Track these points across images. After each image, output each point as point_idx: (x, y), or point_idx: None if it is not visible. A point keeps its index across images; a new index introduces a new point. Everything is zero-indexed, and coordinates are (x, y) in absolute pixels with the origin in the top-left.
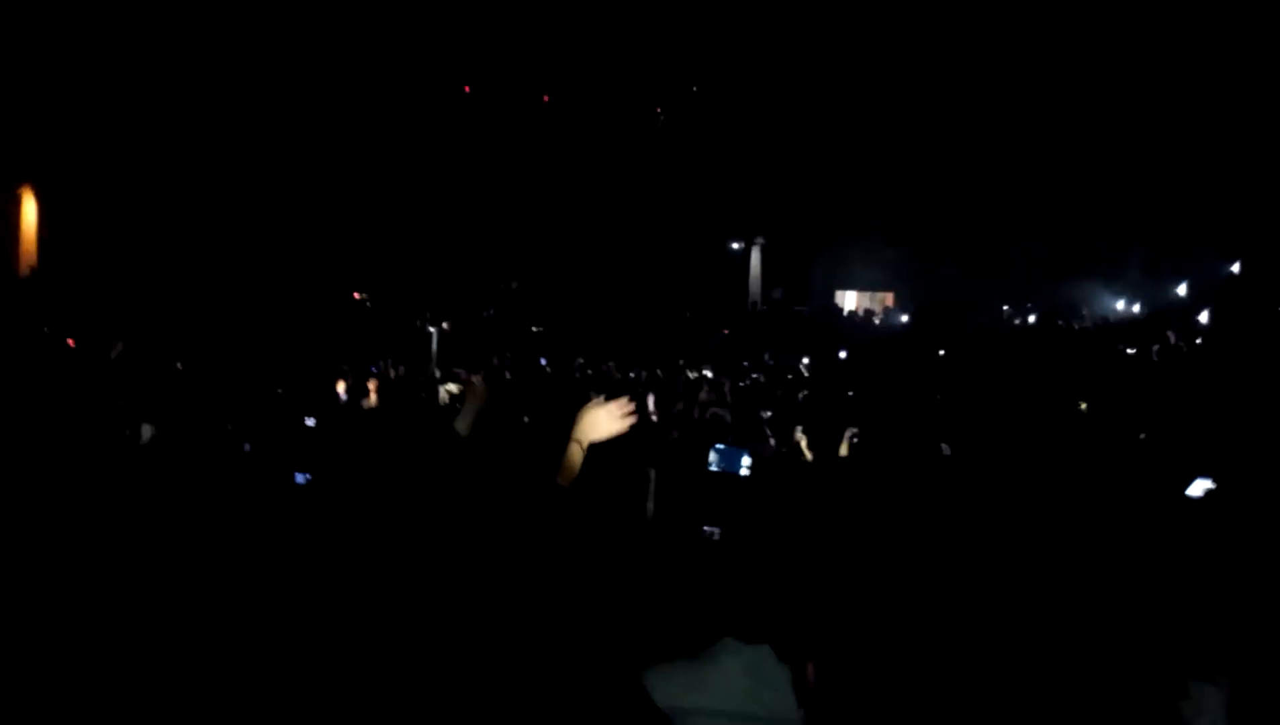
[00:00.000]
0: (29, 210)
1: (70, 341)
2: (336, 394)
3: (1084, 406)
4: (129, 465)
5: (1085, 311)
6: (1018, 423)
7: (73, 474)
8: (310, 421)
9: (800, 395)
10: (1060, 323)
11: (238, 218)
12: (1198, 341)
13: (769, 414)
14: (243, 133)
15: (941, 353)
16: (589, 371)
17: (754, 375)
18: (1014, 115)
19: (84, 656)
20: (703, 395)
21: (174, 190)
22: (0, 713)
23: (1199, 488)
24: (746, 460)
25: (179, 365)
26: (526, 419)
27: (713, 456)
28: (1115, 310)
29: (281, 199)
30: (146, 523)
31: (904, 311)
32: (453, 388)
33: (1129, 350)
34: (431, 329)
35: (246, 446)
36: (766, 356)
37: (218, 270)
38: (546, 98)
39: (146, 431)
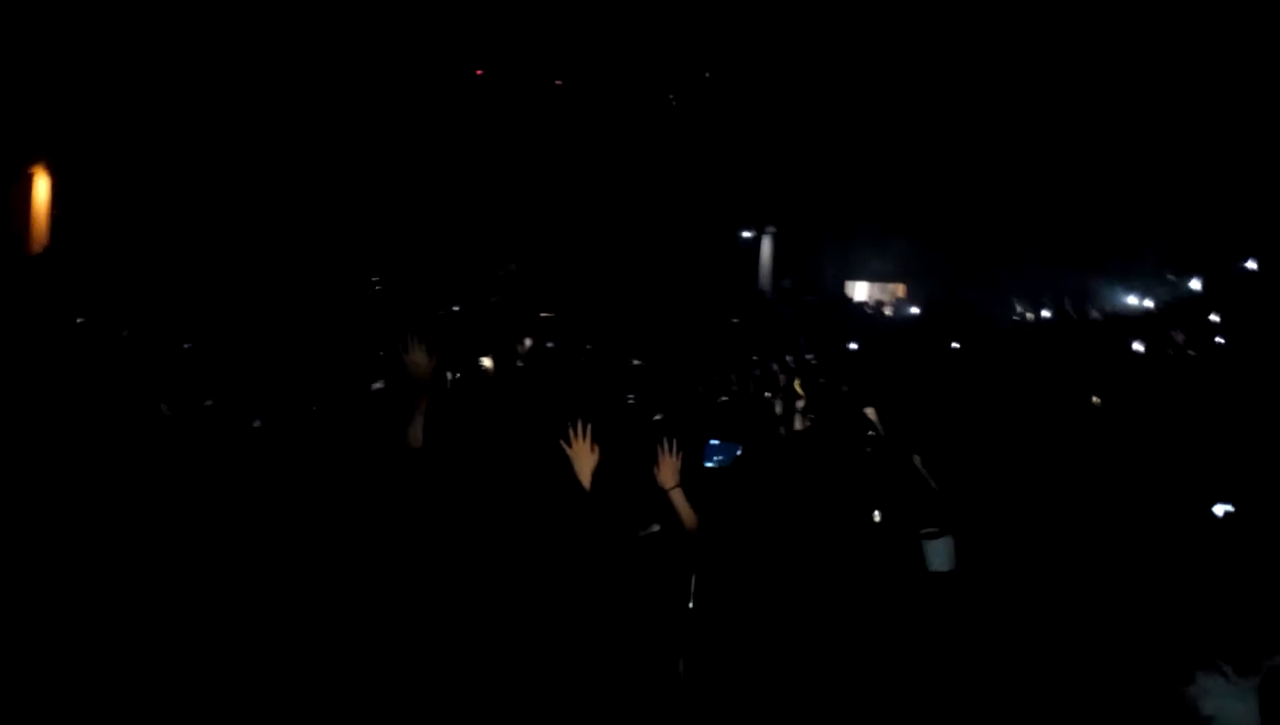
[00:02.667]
0: (41, 189)
1: (79, 321)
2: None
3: (1096, 401)
4: (149, 444)
5: (1097, 305)
6: (1029, 417)
7: (88, 455)
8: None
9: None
10: (1072, 316)
11: (250, 200)
12: (1214, 340)
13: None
14: (255, 115)
15: (953, 346)
16: (598, 358)
17: (760, 368)
18: (1027, 105)
19: (98, 635)
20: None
21: (187, 171)
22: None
23: (1220, 510)
24: (739, 452)
25: (189, 346)
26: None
27: (708, 451)
28: (1127, 305)
29: (293, 182)
30: (164, 501)
31: (914, 303)
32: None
33: (1140, 346)
34: (442, 313)
35: (256, 425)
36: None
37: (230, 252)
38: (559, 82)
39: (163, 410)
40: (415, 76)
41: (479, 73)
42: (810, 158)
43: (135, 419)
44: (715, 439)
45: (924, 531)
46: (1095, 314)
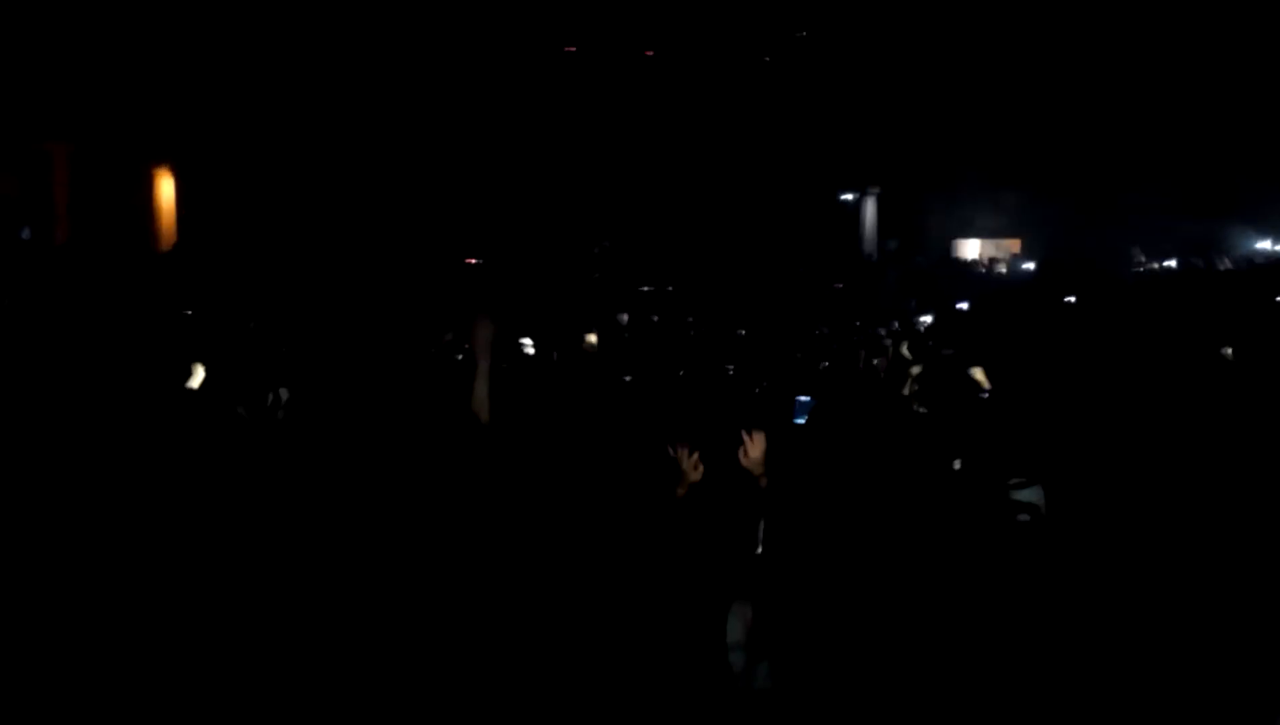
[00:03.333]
0: (167, 188)
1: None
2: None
3: (1229, 352)
4: (267, 430)
5: (1226, 253)
6: (1155, 376)
7: (211, 440)
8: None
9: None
10: (1199, 265)
11: (364, 192)
12: None
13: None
14: (364, 106)
15: (1070, 301)
16: (702, 330)
17: (866, 333)
18: (1142, 45)
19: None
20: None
21: (305, 167)
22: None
23: None
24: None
25: (307, 334)
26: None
27: (797, 409)
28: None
29: (398, 170)
30: (285, 484)
31: (1029, 259)
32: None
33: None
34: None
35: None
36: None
37: (345, 245)
38: (650, 53)
39: (283, 395)
40: (506, 54)
41: (570, 49)
42: (912, 112)
43: (257, 404)
44: (805, 397)
45: (1013, 482)
46: (1225, 263)
